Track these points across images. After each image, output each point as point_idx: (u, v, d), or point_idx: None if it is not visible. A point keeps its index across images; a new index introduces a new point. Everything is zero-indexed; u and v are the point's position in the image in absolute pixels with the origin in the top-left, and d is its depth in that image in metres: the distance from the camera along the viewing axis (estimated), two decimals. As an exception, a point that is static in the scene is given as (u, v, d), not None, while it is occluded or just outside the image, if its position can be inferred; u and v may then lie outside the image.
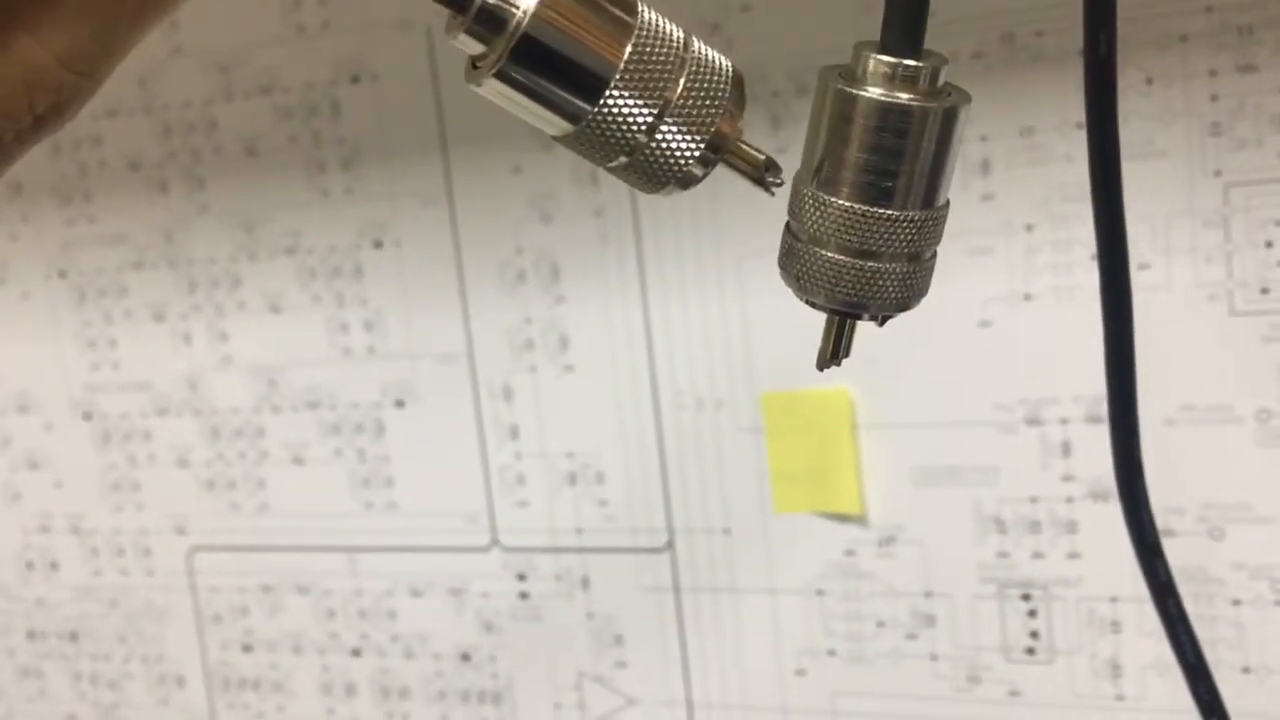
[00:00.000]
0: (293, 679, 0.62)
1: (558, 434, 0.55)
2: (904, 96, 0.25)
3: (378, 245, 0.56)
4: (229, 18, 0.57)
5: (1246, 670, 0.46)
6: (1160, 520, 0.40)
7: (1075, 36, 0.45)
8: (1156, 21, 0.44)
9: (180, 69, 0.58)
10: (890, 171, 0.25)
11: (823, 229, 0.25)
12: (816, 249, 0.26)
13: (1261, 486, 0.45)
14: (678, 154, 0.25)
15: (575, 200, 0.53)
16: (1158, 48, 0.44)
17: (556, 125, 0.25)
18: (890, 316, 0.26)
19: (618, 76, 0.25)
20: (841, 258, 0.25)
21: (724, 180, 0.49)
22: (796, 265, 0.26)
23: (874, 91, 0.25)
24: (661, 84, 0.25)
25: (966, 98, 0.25)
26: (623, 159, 0.25)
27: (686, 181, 0.26)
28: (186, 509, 0.62)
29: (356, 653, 0.60)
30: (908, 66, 0.25)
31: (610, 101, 0.25)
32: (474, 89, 0.26)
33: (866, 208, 0.25)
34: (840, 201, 0.25)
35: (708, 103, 0.25)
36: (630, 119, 0.25)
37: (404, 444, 0.58)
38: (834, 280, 0.26)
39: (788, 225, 0.27)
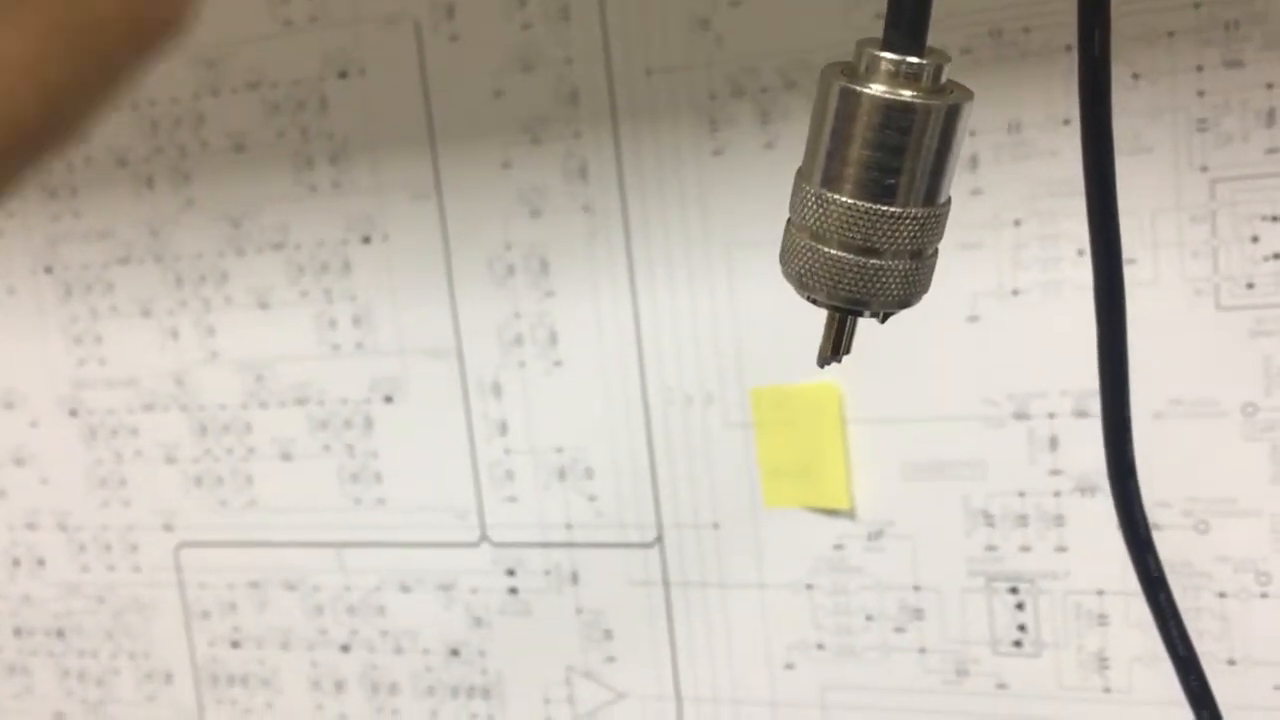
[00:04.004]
0: (281, 675, 0.62)
1: (547, 429, 0.55)
2: (907, 94, 0.25)
3: (366, 240, 0.56)
4: (216, 13, 0.57)
5: (1232, 662, 0.46)
6: (1147, 514, 0.40)
7: (1063, 33, 0.45)
8: (1143, 17, 0.44)
9: (166, 64, 0.58)
10: (893, 169, 0.25)
11: (825, 226, 0.25)
12: (818, 246, 0.26)
13: (1247, 480, 0.45)
14: None
15: (564, 195, 0.53)
16: (1145, 43, 0.44)
17: None
18: (891, 313, 0.26)
19: None
20: (843, 255, 0.25)
21: (713, 172, 0.50)
22: (798, 262, 0.26)
23: (877, 89, 0.25)
24: None
25: (969, 95, 0.25)
26: None
27: None
28: (174, 505, 0.62)
29: (345, 648, 0.60)
30: (911, 64, 0.25)
31: None
32: None
33: (869, 205, 0.25)
34: (843, 199, 0.25)
35: None
36: None
37: (393, 440, 0.58)
38: (835, 277, 0.26)
39: (789, 222, 0.27)
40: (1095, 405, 0.38)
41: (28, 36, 0.18)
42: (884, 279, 0.25)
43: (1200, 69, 0.44)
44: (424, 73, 0.54)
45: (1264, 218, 0.44)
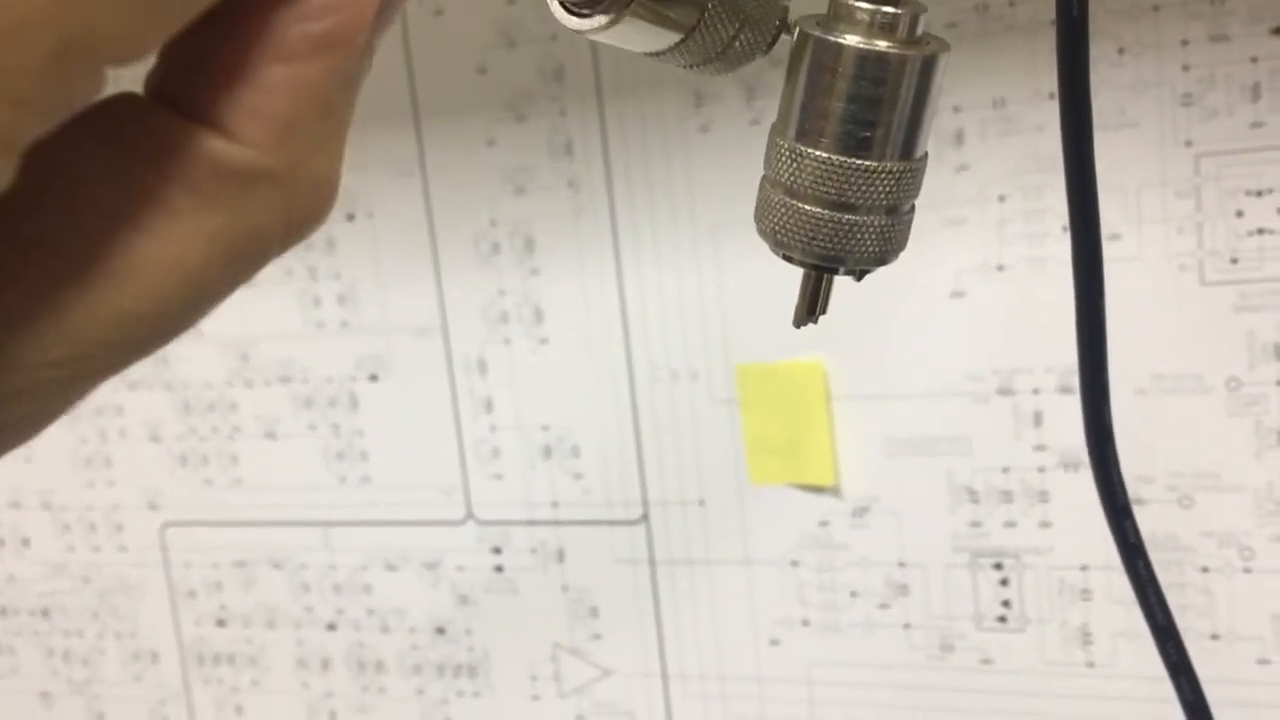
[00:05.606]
0: (267, 653, 0.61)
1: (532, 407, 0.55)
2: (882, 44, 0.25)
3: (350, 218, 0.56)
4: None
5: (1215, 637, 0.47)
6: (1130, 488, 0.40)
7: (1048, 7, 0.45)
8: (1129, -8, 0.44)
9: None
10: (868, 121, 0.25)
11: (799, 181, 0.25)
12: (793, 201, 0.25)
13: (1230, 455, 0.45)
14: None
15: (549, 172, 0.52)
16: (1130, 17, 0.44)
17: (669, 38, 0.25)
18: (868, 271, 0.26)
19: None
20: (819, 210, 0.25)
21: (699, 148, 0.50)
22: (772, 219, 0.26)
23: (851, 39, 0.25)
24: None
25: (945, 46, 0.25)
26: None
27: None
28: (159, 484, 0.62)
29: (331, 627, 0.60)
30: (885, 13, 0.25)
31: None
32: (597, 38, 0.25)
33: (844, 159, 0.25)
34: (817, 153, 0.25)
35: None
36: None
37: (378, 418, 0.57)
38: (811, 234, 0.25)
39: (763, 178, 0.26)
40: (1078, 376, 0.38)
41: (189, 246, 0.18)
42: (860, 235, 0.25)
43: (1186, 43, 0.44)
44: (407, 48, 0.54)
45: (1248, 192, 0.44)
